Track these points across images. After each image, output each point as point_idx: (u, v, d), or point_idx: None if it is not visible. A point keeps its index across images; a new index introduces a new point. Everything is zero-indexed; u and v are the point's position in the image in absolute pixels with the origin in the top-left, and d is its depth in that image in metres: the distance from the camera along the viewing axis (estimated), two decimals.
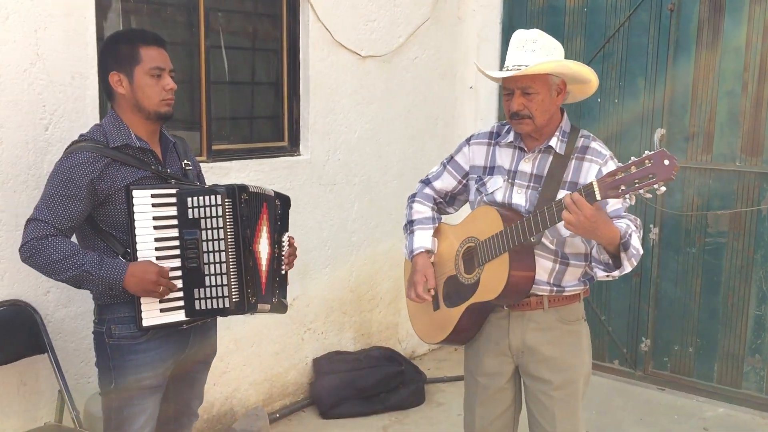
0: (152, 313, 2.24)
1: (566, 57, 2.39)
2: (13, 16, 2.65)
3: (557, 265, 2.34)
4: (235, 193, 2.29)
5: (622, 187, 1.98)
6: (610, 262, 2.18)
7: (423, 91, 4.63)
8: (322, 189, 4.03)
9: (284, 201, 2.57)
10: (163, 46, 2.36)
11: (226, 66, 3.68)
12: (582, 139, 2.38)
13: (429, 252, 2.55)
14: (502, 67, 2.42)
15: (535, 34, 2.32)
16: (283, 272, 2.54)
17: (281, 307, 2.53)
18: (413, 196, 2.70)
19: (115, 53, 2.32)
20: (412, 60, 4.51)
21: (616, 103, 4.38)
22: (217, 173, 3.42)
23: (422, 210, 2.63)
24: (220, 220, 2.26)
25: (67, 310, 2.92)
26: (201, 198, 2.26)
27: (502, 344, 2.45)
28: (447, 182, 2.62)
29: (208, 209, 2.26)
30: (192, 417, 2.65)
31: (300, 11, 3.84)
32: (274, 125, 3.95)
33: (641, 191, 1.96)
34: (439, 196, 2.65)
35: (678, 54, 4.18)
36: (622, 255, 2.13)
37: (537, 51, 2.29)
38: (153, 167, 2.34)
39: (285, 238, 2.56)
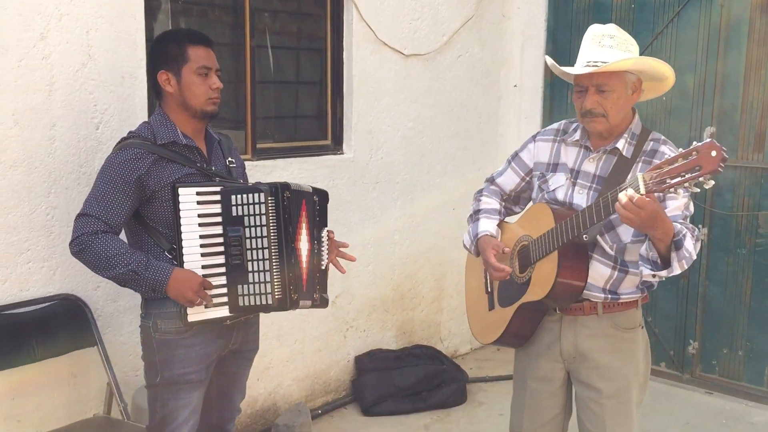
0: (197, 309, 2.28)
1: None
2: (66, 18, 2.73)
3: (615, 273, 2.27)
4: (278, 191, 2.31)
5: (668, 181, 1.91)
6: (659, 260, 2.11)
7: (466, 90, 4.61)
8: (365, 187, 4.05)
9: (322, 196, 2.56)
10: (210, 46, 2.40)
11: (272, 65, 3.73)
12: (652, 142, 2.28)
13: (492, 237, 2.48)
14: (567, 64, 2.34)
15: (612, 29, 2.26)
16: (323, 267, 2.55)
17: (323, 302, 2.54)
18: (480, 191, 2.65)
19: (163, 53, 2.37)
20: (456, 58, 4.49)
21: (663, 101, 4.30)
22: (261, 171, 3.47)
23: (490, 202, 2.58)
24: (264, 217, 2.28)
25: (116, 305, 3.00)
26: (245, 196, 2.29)
27: (554, 349, 2.40)
28: (511, 179, 2.57)
29: (251, 207, 2.28)
30: (234, 411, 2.69)
31: (344, 10, 3.86)
32: (318, 124, 3.98)
33: (687, 185, 1.88)
34: (504, 193, 2.60)
35: (728, 50, 4.09)
36: (673, 255, 2.07)
37: (614, 47, 2.22)
38: (198, 164, 2.38)
39: (324, 233, 2.55)
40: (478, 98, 4.70)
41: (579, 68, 2.24)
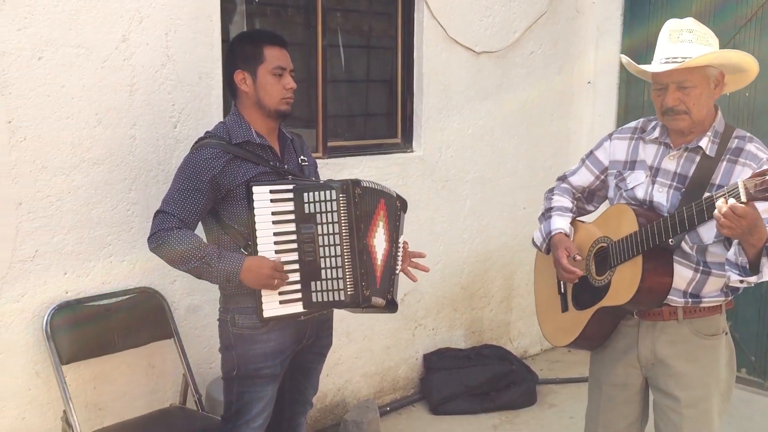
0: (272, 305, 2.32)
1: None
2: (146, 20, 2.82)
3: (698, 275, 2.19)
4: (349, 188, 2.33)
5: None
6: (747, 266, 2.02)
7: (539, 87, 4.54)
8: (435, 185, 4.04)
9: (403, 204, 2.59)
10: (284, 47, 2.44)
11: (343, 64, 3.76)
12: (737, 140, 2.20)
13: (567, 236, 2.43)
14: (643, 61, 2.27)
15: (691, 23, 2.19)
16: (397, 272, 2.57)
17: (392, 306, 2.55)
18: (551, 189, 2.61)
19: (240, 53, 2.42)
20: (528, 55, 4.43)
21: (747, 96, 4.13)
22: (332, 169, 3.50)
23: (562, 200, 2.53)
24: (335, 215, 2.30)
25: (192, 299, 3.08)
26: (317, 193, 2.32)
27: (631, 355, 2.34)
28: (584, 178, 2.52)
29: (323, 204, 2.31)
30: (306, 405, 2.73)
31: (415, 9, 3.86)
32: (388, 122, 4.00)
33: None
34: (576, 191, 2.55)
35: None
36: (763, 260, 1.99)
37: (694, 42, 2.15)
38: (272, 163, 2.42)
39: (401, 241, 2.58)
40: (550, 95, 4.63)
41: (658, 65, 2.17)
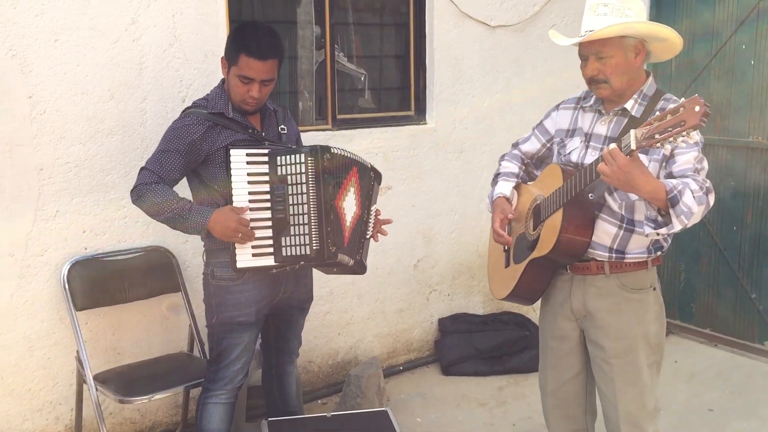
0: (245, 257, 2.56)
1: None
2: (153, 4, 3.11)
3: (621, 231, 2.31)
4: (318, 153, 2.54)
5: (656, 136, 1.96)
6: (659, 218, 2.14)
7: (561, 59, 4.56)
8: (448, 156, 4.19)
9: (377, 175, 2.80)
10: (265, 60, 2.56)
11: (353, 40, 3.95)
12: (663, 101, 2.31)
13: (507, 200, 2.61)
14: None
15: None
16: (368, 236, 2.79)
17: (361, 267, 2.78)
18: (503, 155, 2.78)
19: (227, 44, 2.67)
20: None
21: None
22: (340, 140, 3.71)
23: (509, 166, 2.71)
24: (303, 176, 2.53)
25: (201, 258, 3.38)
26: (288, 157, 2.55)
27: (566, 307, 2.47)
28: (533, 145, 2.68)
29: (293, 167, 2.53)
30: (292, 355, 3.00)
31: None
32: (401, 96, 4.16)
33: (671, 139, 1.93)
34: (526, 157, 2.71)
35: None
36: (671, 211, 2.09)
37: (608, 15, 2.27)
38: (250, 131, 2.66)
39: (373, 209, 2.80)
40: (574, 67, 4.60)
41: (568, 39, 2.33)
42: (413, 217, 4.10)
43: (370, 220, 2.80)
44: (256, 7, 3.66)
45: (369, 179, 2.77)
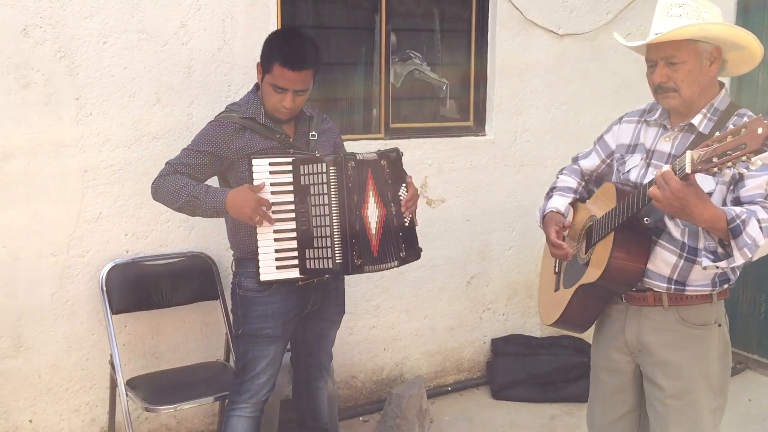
0: (269, 269, 2.48)
1: None
2: (204, 7, 3.09)
3: (681, 261, 2.09)
4: (341, 161, 2.44)
5: (714, 159, 1.73)
6: (719, 250, 1.92)
7: (636, 71, 4.25)
8: (507, 170, 4.01)
9: (392, 155, 2.58)
10: (300, 70, 2.48)
11: (409, 47, 3.83)
12: (735, 117, 2.08)
13: (561, 215, 2.41)
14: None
15: None
16: (407, 224, 2.59)
17: (411, 258, 2.60)
18: (562, 169, 2.60)
19: (262, 50, 2.59)
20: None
21: None
22: None
23: (566, 180, 2.52)
24: (326, 186, 2.43)
25: None
26: (311, 166, 2.45)
27: (619, 340, 2.27)
28: (592, 161, 2.48)
29: (316, 176, 2.44)
30: (322, 371, 2.89)
31: None
32: (460, 106, 4.01)
33: (730, 164, 1.69)
34: (585, 174, 2.52)
35: None
36: (732, 243, 1.87)
37: (683, 16, 2.06)
38: (278, 136, 2.58)
39: (402, 189, 2.59)
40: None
41: (639, 41, 2.09)
42: (467, 232, 3.94)
43: (401, 211, 2.57)
44: (310, 11, 3.59)
45: (382, 171, 2.53)
